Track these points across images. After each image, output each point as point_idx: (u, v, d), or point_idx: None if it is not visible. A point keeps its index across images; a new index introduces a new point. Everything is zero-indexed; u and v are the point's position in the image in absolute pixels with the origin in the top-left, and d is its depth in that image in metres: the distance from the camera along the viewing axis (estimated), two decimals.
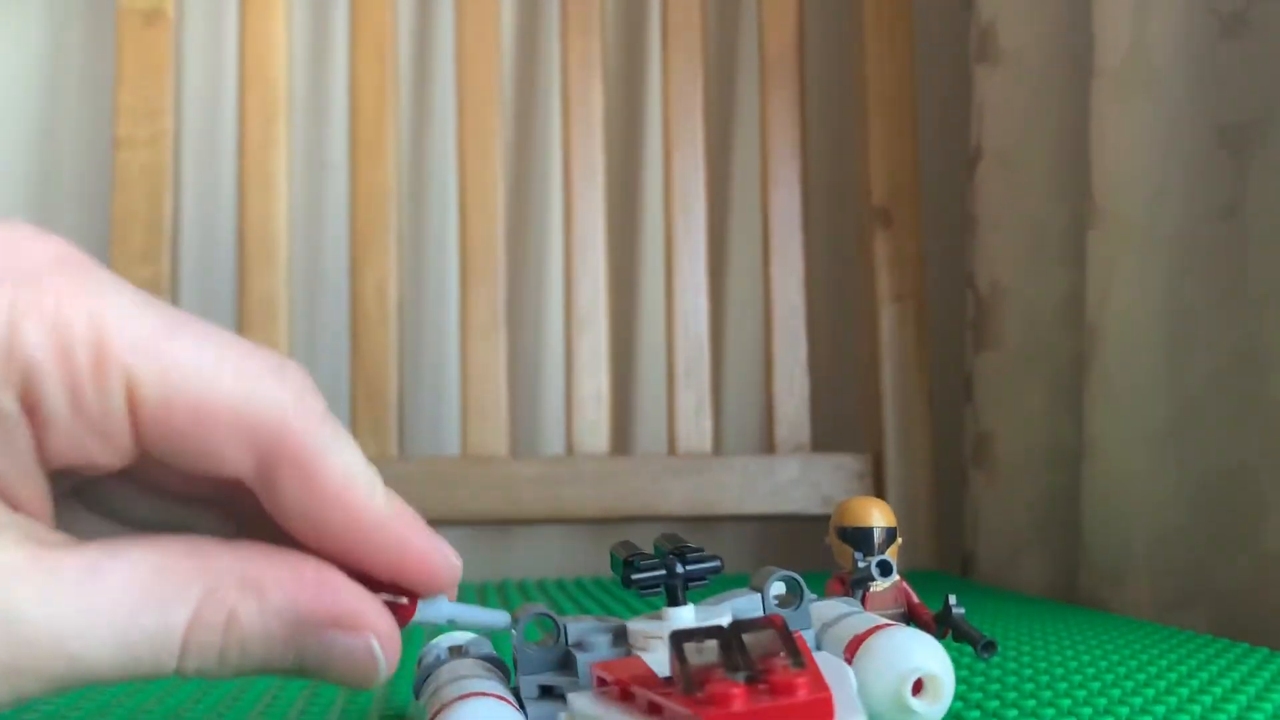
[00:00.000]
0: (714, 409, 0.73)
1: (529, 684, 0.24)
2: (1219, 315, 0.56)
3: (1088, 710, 0.33)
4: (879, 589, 0.31)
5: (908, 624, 0.31)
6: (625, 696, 0.22)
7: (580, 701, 0.23)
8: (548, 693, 0.24)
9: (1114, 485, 0.60)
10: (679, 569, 0.24)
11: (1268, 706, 0.34)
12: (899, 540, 0.31)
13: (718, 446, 0.73)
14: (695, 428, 0.72)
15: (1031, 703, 0.34)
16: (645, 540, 0.26)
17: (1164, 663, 0.41)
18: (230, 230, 0.73)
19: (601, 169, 0.73)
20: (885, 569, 0.30)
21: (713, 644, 0.21)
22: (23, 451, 0.19)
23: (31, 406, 0.19)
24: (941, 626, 0.30)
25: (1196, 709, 0.33)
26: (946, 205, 0.80)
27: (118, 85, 0.69)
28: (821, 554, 0.34)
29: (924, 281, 0.75)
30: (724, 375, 0.81)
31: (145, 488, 0.22)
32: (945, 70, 0.81)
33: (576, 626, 0.25)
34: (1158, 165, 0.58)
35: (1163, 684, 0.37)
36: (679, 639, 0.21)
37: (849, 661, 0.25)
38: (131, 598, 0.19)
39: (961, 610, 0.30)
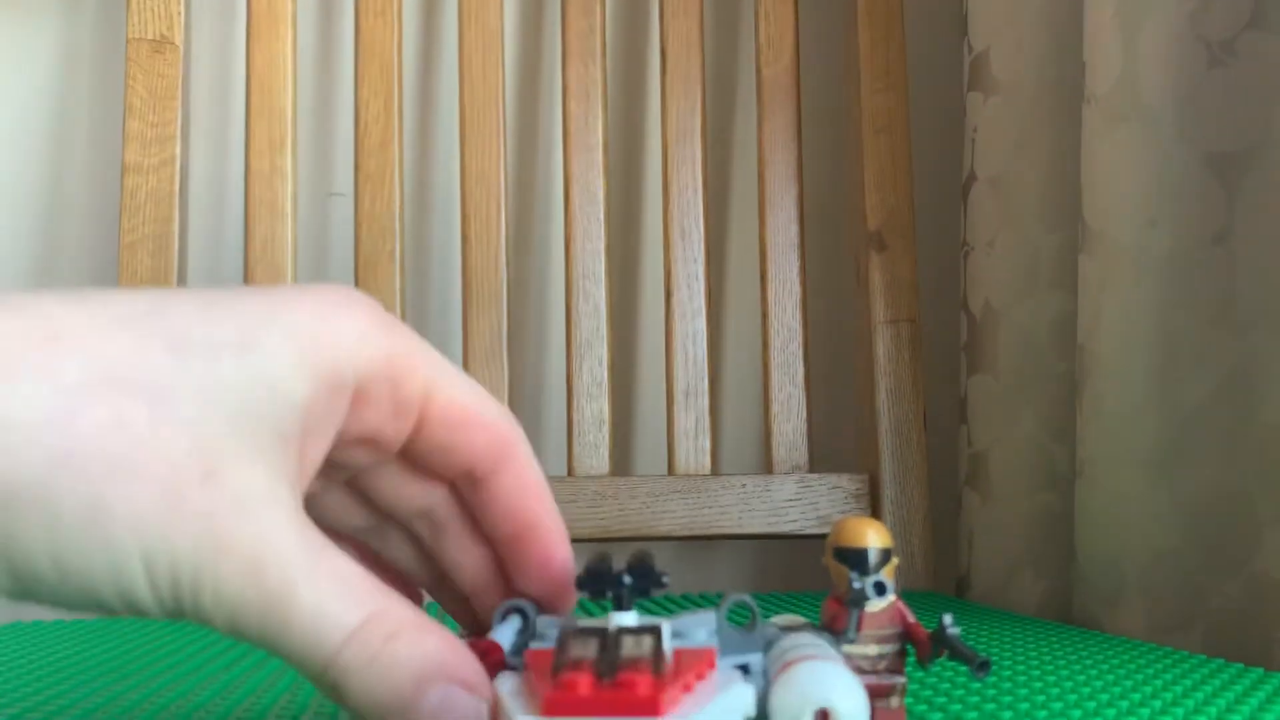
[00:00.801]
0: (712, 430, 0.73)
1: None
2: (1210, 339, 0.57)
3: None
4: (874, 609, 0.31)
5: (903, 644, 0.32)
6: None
7: (503, 679, 0.26)
8: (512, 669, 0.28)
9: (1107, 506, 0.60)
10: (625, 580, 0.27)
11: None
12: (895, 560, 0.32)
13: (716, 467, 0.73)
14: (694, 449, 0.73)
15: None
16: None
17: (1159, 683, 0.41)
18: (237, 255, 0.74)
19: (602, 194, 0.74)
20: (881, 589, 0.30)
21: (595, 642, 0.24)
22: (336, 422, 0.26)
23: (360, 393, 0.26)
24: (937, 646, 0.30)
25: None
26: (941, 230, 0.81)
27: (126, 112, 0.70)
28: (818, 573, 0.35)
29: (918, 305, 0.75)
30: (722, 397, 0.82)
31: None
32: (939, 98, 0.82)
33: (542, 620, 0.28)
34: (1148, 191, 0.58)
35: (1158, 704, 0.37)
36: (566, 635, 0.24)
37: None
38: (335, 588, 0.24)
39: (957, 630, 0.30)
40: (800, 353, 0.74)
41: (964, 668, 0.41)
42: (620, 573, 0.27)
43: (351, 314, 0.26)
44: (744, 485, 0.73)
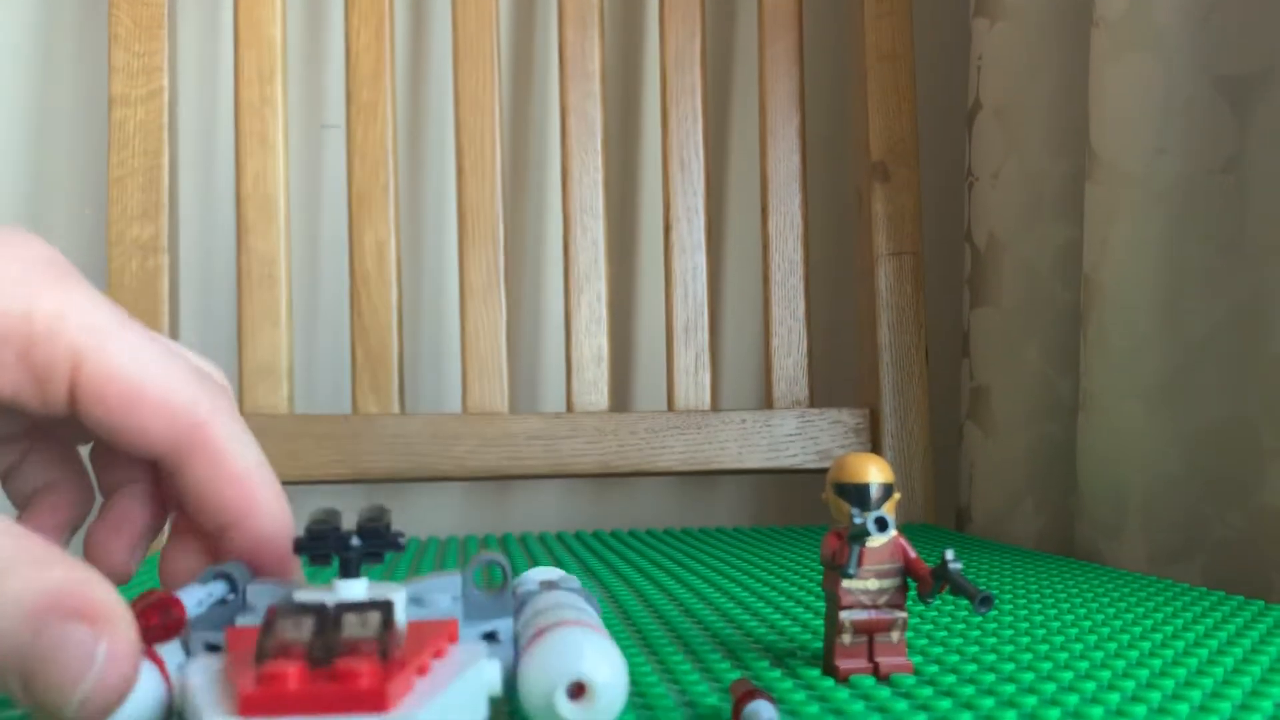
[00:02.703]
0: (712, 365, 0.73)
1: (197, 640, 0.24)
2: (1218, 269, 0.56)
3: (1085, 664, 0.33)
4: (875, 544, 0.31)
5: (904, 579, 0.31)
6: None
7: (197, 665, 0.23)
8: (216, 649, 0.24)
9: (1110, 439, 0.60)
10: (354, 542, 0.24)
11: (1264, 659, 0.34)
12: (896, 496, 0.31)
13: (716, 402, 0.73)
14: (694, 384, 0.72)
15: (1029, 656, 0.34)
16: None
17: (1160, 615, 0.41)
18: (229, 189, 0.72)
19: (599, 125, 0.72)
20: (882, 524, 0.30)
21: (310, 621, 0.21)
22: None
23: None
24: (938, 581, 0.30)
25: (1193, 661, 0.34)
26: (945, 160, 0.80)
27: (112, 43, 0.68)
28: (818, 508, 0.35)
29: (921, 236, 0.74)
30: (722, 332, 0.81)
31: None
32: (944, 24, 0.80)
33: (255, 589, 0.25)
34: (1157, 118, 0.57)
35: (1158, 637, 0.37)
36: (272, 613, 0.21)
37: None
38: None
39: (959, 565, 0.30)
40: (801, 286, 0.74)
41: (965, 602, 0.41)
42: (348, 534, 0.24)
43: None
44: (744, 420, 0.72)
